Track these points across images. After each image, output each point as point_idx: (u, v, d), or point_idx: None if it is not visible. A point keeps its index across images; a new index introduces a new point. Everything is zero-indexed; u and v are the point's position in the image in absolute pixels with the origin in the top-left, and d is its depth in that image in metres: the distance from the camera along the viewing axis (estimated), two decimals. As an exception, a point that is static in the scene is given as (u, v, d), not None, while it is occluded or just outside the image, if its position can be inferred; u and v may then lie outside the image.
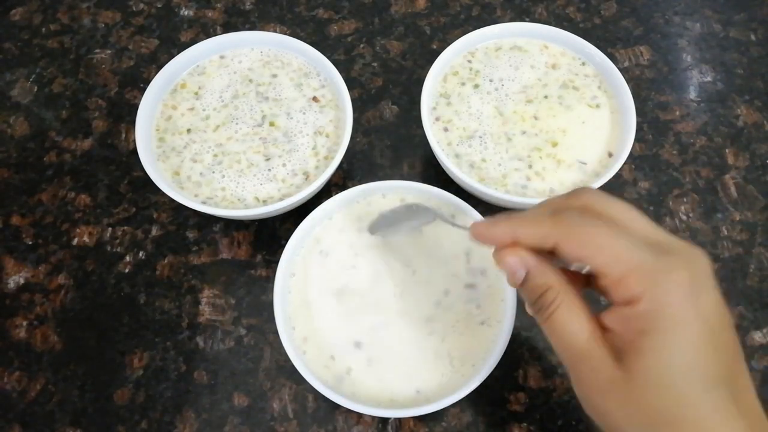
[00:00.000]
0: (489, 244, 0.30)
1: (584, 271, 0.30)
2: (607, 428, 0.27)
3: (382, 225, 0.41)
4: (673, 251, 0.26)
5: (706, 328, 0.25)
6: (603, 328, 0.27)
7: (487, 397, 0.41)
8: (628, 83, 0.45)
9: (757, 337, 0.44)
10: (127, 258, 0.47)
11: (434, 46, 0.56)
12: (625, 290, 0.26)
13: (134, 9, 0.58)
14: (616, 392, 0.26)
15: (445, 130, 0.45)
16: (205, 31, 0.57)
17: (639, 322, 0.26)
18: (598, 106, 0.46)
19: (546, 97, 0.46)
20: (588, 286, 0.31)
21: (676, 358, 0.25)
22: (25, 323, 0.44)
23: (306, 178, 0.44)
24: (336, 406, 0.41)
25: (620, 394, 0.25)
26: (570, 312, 0.27)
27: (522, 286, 0.29)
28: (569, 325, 0.27)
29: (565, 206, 0.28)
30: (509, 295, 0.39)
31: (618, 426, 0.26)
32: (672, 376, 0.25)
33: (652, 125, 0.52)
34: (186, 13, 0.58)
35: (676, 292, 0.25)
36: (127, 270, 0.46)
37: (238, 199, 0.44)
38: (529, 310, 0.30)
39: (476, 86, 0.47)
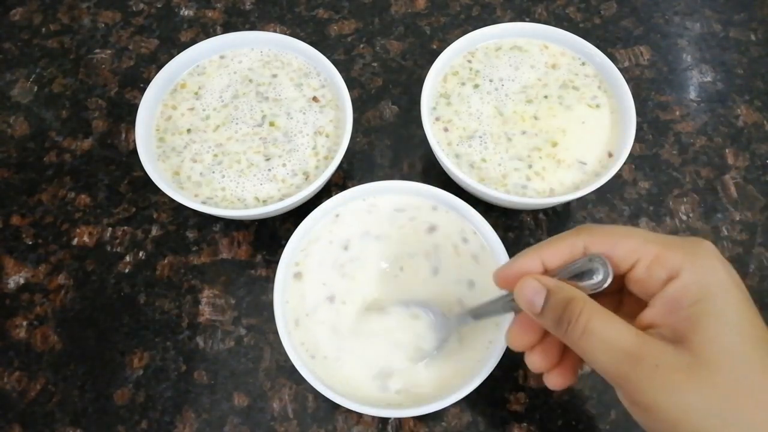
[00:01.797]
0: (515, 279, 0.29)
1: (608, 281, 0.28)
2: None
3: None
4: (685, 238, 0.27)
5: (743, 292, 0.25)
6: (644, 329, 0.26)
7: (487, 397, 0.41)
8: (628, 83, 0.45)
9: (757, 337, 0.44)
10: (127, 258, 0.47)
11: (434, 46, 0.56)
12: (662, 267, 0.25)
13: (134, 9, 0.58)
14: (686, 379, 0.23)
15: (445, 130, 0.45)
16: (205, 31, 0.57)
17: (689, 294, 0.24)
18: (598, 106, 0.46)
19: (546, 97, 0.46)
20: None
21: (735, 332, 0.23)
22: (25, 323, 0.44)
23: (306, 178, 0.44)
24: (336, 406, 0.41)
25: (691, 379, 0.23)
26: (605, 317, 0.25)
27: (542, 311, 0.27)
28: (609, 330, 0.25)
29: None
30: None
31: (698, 425, 0.23)
32: (736, 349, 0.23)
33: (652, 125, 0.52)
34: (186, 13, 0.58)
35: (714, 259, 0.25)
36: (127, 270, 0.46)
37: (238, 199, 0.44)
38: (556, 332, 0.27)
39: (476, 86, 0.47)
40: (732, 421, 0.23)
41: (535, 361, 0.30)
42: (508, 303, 0.31)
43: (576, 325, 0.25)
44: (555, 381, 0.31)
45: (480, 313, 0.35)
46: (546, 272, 0.29)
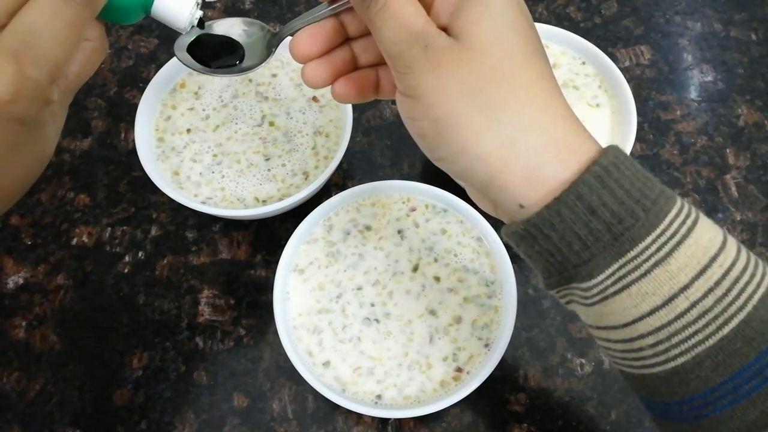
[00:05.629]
0: None
1: None
2: (437, 119, 0.25)
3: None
4: None
5: (518, 3, 0.25)
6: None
7: (488, 398, 0.41)
8: (628, 83, 0.45)
9: (758, 337, 0.44)
10: (127, 258, 0.46)
11: (434, 46, 0.56)
12: None
13: (134, 8, 0.58)
14: (447, 59, 0.24)
15: (445, 129, 0.45)
16: (204, 30, 0.56)
17: None
18: (598, 105, 0.46)
19: (546, 96, 0.46)
20: None
21: (499, 18, 0.24)
22: (24, 323, 0.44)
23: (306, 178, 0.44)
24: (336, 407, 0.41)
25: (452, 59, 0.24)
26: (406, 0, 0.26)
27: None
28: (405, 9, 0.25)
29: None
30: (510, 296, 0.39)
31: (450, 104, 0.24)
32: (498, 33, 0.24)
33: (652, 125, 0.52)
34: (185, 12, 0.58)
35: None
36: (126, 270, 0.46)
37: (238, 199, 0.44)
38: (360, 7, 0.27)
39: (476, 86, 0.47)
40: (480, 101, 0.24)
41: (314, 70, 0.30)
42: (322, 7, 0.30)
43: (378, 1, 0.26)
44: (338, 90, 0.30)
45: (298, 24, 0.31)
46: None
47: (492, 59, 0.24)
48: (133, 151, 0.45)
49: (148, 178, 0.42)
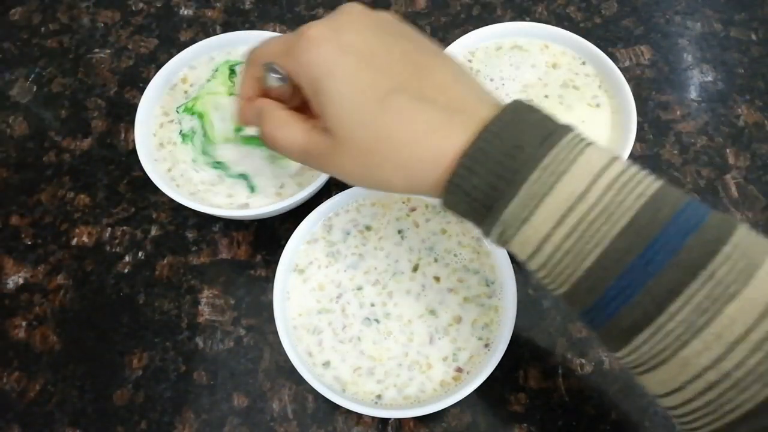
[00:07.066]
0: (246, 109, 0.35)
1: None
2: (354, 183, 0.32)
3: None
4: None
5: (354, 58, 0.29)
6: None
7: (488, 398, 0.41)
8: (628, 83, 0.45)
9: (758, 337, 0.44)
10: (127, 258, 0.46)
11: (434, 46, 0.56)
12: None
13: (134, 8, 0.58)
14: (333, 154, 0.30)
15: (446, 129, 0.45)
16: (204, 30, 0.56)
17: (306, 91, 0.31)
18: (598, 105, 0.46)
19: (546, 96, 0.46)
20: None
21: (341, 109, 0.29)
22: (24, 323, 0.44)
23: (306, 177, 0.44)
24: (336, 407, 0.41)
25: (335, 154, 0.30)
26: (282, 125, 0.32)
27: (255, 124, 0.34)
28: (285, 136, 0.32)
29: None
30: (510, 296, 0.39)
31: (353, 176, 0.31)
32: (347, 119, 0.29)
33: (652, 125, 0.52)
34: (185, 12, 0.58)
35: (310, 47, 0.29)
36: (126, 270, 0.46)
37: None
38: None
39: (476, 86, 0.47)
40: (368, 173, 0.30)
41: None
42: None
43: (264, 134, 0.32)
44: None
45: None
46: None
47: (353, 140, 0.29)
48: (133, 151, 0.45)
49: (148, 178, 0.42)
